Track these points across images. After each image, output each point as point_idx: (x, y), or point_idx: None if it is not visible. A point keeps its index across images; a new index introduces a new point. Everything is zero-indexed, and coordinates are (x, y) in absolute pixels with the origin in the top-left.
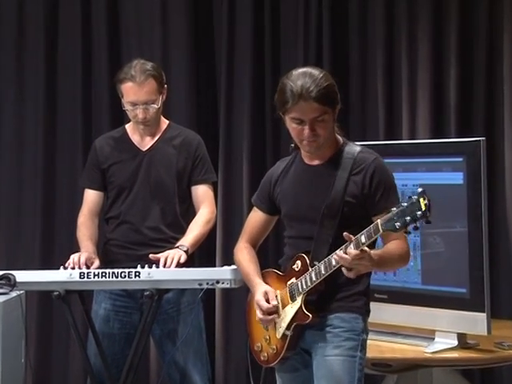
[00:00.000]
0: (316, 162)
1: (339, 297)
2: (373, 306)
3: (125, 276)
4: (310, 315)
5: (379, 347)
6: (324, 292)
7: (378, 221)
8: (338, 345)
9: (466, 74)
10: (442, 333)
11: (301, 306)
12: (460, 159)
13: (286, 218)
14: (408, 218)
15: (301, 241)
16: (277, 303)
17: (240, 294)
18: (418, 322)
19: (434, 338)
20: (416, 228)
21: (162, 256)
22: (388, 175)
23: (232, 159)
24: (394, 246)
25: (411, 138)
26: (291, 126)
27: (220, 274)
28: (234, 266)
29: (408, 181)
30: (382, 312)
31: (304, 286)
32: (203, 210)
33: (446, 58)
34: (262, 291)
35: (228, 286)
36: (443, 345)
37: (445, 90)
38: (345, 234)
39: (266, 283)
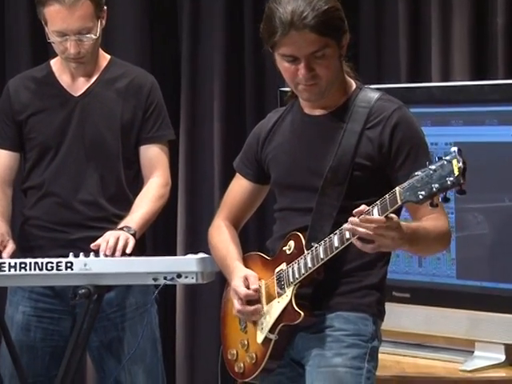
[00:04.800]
0: (318, 112)
1: (343, 290)
2: (391, 307)
3: (51, 268)
4: (302, 313)
5: (399, 363)
6: (323, 283)
7: (397, 188)
8: (339, 352)
9: None
10: (485, 344)
11: (290, 300)
12: (510, 108)
13: (277, 186)
14: (436, 185)
15: (296, 214)
16: (257, 287)
17: (210, 291)
18: (451, 329)
19: (473, 352)
20: (446, 199)
21: (101, 241)
22: (415, 130)
23: (199, 113)
24: (429, 222)
25: (443, 80)
26: (282, 65)
27: (182, 266)
28: (201, 255)
29: (439, 138)
30: (402, 316)
31: (296, 275)
32: (155, 179)
33: None
34: (241, 276)
35: (193, 281)
36: (486, 360)
37: (490, 14)
38: (356, 210)
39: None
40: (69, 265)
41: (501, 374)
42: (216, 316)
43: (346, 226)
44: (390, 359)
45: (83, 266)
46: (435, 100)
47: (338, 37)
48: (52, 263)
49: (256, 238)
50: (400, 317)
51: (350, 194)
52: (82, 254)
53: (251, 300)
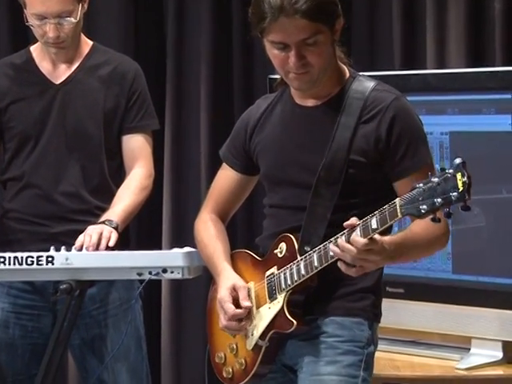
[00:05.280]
0: (310, 103)
1: (337, 294)
2: (384, 303)
3: (31, 262)
4: (295, 322)
5: (393, 361)
6: (315, 287)
7: (397, 200)
8: (334, 360)
9: None
10: (481, 341)
11: (282, 308)
12: (508, 96)
13: (266, 180)
14: (439, 199)
15: (287, 212)
16: (250, 305)
17: (197, 287)
18: (447, 325)
19: (469, 349)
20: (449, 215)
21: (83, 237)
22: (414, 122)
23: (185, 101)
24: (421, 226)
25: (439, 67)
26: (272, 52)
27: (168, 260)
28: (187, 249)
29: (434, 127)
30: (396, 312)
31: (288, 282)
32: (137, 170)
33: None
34: (229, 286)
35: (179, 276)
36: (482, 358)
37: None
38: (346, 223)
39: (237, 270)
40: (50, 259)
41: (498, 372)
42: (203, 312)
43: (332, 247)
44: (384, 357)
45: (64, 260)
46: (430, 88)
47: (331, 22)
48: (32, 257)
49: (244, 230)
50: (394, 313)
51: (345, 192)
52: (63, 247)
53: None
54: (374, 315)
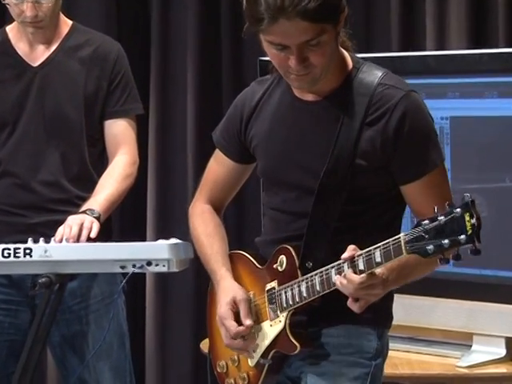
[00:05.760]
0: (311, 97)
1: (343, 302)
2: None
3: (8, 255)
4: (298, 345)
5: (390, 359)
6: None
7: (402, 236)
8: (338, 372)
9: None
10: (484, 337)
11: (284, 328)
12: (511, 79)
13: (264, 179)
14: (446, 241)
15: (289, 218)
16: (251, 323)
17: (183, 280)
18: (447, 321)
19: (471, 346)
20: (458, 257)
21: (63, 228)
22: (425, 122)
23: (170, 85)
24: None
25: (438, 48)
26: (270, 51)
27: (153, 252)
28: (173, 240)
29: (434, 112)
30: (394, 307)
31: (290, 302)
32: (121, 157)
33: None
34: (229, 301)
35: (165, 269)
36: (485, 355)
37: None
38: (344, 256)
39: (236, 275)
40: (27, 251)
41: (501, 369)
42: (190, 308)
43: (333, 275)
44: None
45: (43, 252)
46: (430, 70)
47: (336, 18)
48: (9, 250)
49: (233, 223)
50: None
51: (349, 198)
52: (41, 239)
53: None
54: (385, 321)
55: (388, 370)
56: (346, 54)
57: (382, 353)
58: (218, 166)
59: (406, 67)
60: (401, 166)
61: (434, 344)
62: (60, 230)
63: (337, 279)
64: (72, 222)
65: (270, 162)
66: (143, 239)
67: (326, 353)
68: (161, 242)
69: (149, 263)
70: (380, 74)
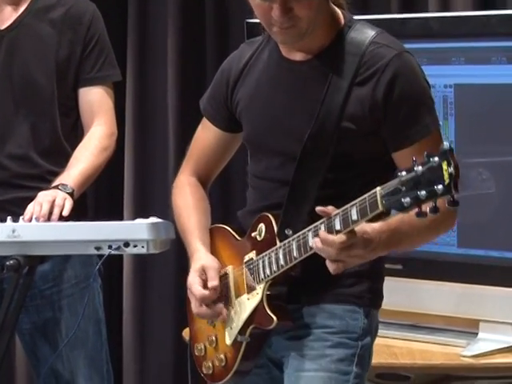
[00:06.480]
0: (299, 57)
1: (326, 278)
2: None
3: None
4: (275, 318)
5: (390, 348)
6: (302, 273)
7: (378, 189)
8: (322, 354)
9: None
10: (490, 324)
11: (261, 300)
12: None
13: (248, 145)
14: (423, 192)
15: (271, 186)
16: (216, 284)
17: (164, 263)
18: (451, 307)
19: (477, 334)
20: (435, 210)
21: (33, 206)
22: (418, 83)
23: (149, 50)
24: None
25: (442, 9)
26: (253, 1)
27: (130, 232)
28: (153, 220)
29: (437, 79)
30: (394, 292)
31: (267, 271)
32: (97, 128)
33: None
34: (198, 268)
35: (144, 250)
36: (492, 343)
37: None
38: (318, 208)
39: (214, 250)
40: None
41: (509, 359)
42: (171, 292)
43: (310, 239)
44: (379, 343)
45: (11, 232)
46: (433, 34)
47: None
48: None
49: (219, 199)
50: (390, 293)
51: (334, 165)
52: (9, 218)
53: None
54: (372, 301)
55: (387, 359)
56: (338, 10)
57: (369, 333)
58: (205, 135)
59: (407, 30)
60: (391, 132)
61: (436, 332)
62: (29, 207)
63: (314, 242)
64: (42, 199)
65: (254, 127)
66: (120, 218)
67: (309, 333)
68: (139, 221)
69: (126, 244)
70: (373, 33)
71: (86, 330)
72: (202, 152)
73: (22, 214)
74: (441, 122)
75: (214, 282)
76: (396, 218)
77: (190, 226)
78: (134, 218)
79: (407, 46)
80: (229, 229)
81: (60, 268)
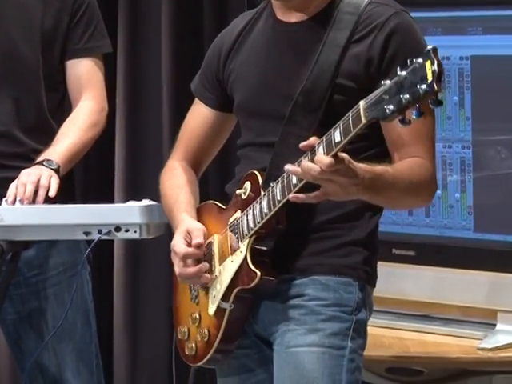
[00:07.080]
0: (295, 18)
1: (319, 248)
2: (390, 269)
3: None
4: (258, 272)
5: (401, 340)
6: (292, 240)
7: (361, 102)
8: (315, 328)
9: None
10: (510, 315)
11: (245, 257)
12: None
13: (240, 113)
14: (406, 96)
15: (260, 150)
16: (201, 241)
17: (157, 249)
18: (467, 296)
19: (495, 325)
20: (420, 114)
21: (15, 186)
22: (415, 42)
23: (142, 21)
24: (404, 165)
25: None
26: None
27: (122, 216)
28: (145, 202)
29: (452, 50)
30: (405, 280)
31: (251, 224)
32: (86, 103)
33: None
34: (182, 229)
35: (136, 235)
36: (511, 336)
37: None
38: (302, 144)
39: (201, 223)
40: None
41: None
42: (165, 280)
43: (287, 166)
44: (390, 335)
45: None
46: (447, 1)
47: None
48: None
49: (217, 184)
50: (402, 281)
51: (325, 122)
52: None
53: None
54: (367, 275)
55: (398, 352)
56: None
57: (364, 307)
58: (197, 117)
59: None
60: None
61: (451, 323)
62: (12, 188)
63: (301, 162)
64: (26, 179)
65: (247, 91)
66: (111, 201)
67: (301, 305)
68: (131, 203)
69: (117, 228)
70: None
71: (74, 321)
72: (193, 135)
73: (5, 196)
74: (456, 97)
75: (198, 239)
76: (381, 166)
77: (177, 202)
78: (125, 201)
79: (419, 15)
80: (215, 202)
81: (46, 254)
